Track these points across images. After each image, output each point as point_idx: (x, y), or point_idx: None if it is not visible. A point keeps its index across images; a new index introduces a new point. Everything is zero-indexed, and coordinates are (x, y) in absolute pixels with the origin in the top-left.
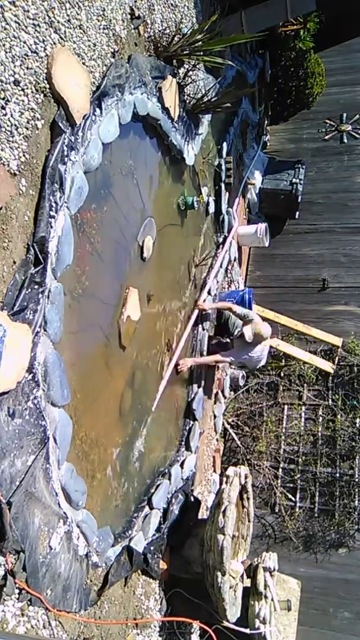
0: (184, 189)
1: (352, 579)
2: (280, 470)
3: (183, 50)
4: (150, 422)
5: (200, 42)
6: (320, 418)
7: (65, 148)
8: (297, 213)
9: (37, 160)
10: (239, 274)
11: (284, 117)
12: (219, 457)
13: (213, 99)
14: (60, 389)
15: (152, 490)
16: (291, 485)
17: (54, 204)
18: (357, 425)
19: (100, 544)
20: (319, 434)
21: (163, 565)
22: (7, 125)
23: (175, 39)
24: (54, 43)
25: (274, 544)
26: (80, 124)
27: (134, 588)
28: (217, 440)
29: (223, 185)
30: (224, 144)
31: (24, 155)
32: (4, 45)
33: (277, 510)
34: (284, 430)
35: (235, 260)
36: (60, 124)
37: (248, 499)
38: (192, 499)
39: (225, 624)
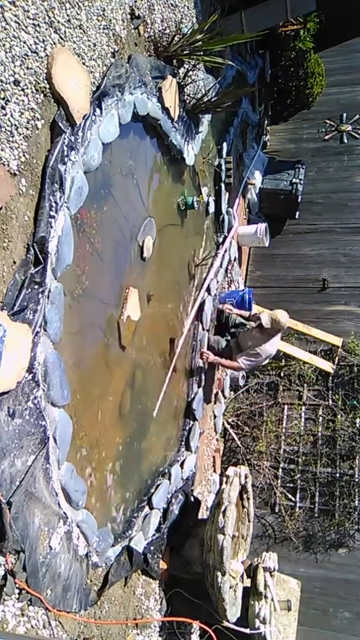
0: (184, 189)
1: (352, 579)
2: (280, 470)
3: (183, 50)
4: (150, 423)
5: (200, 42)
6: (320, 418)
7: (65, 148)
8: (297, 213)
9: (37, 160)
10: (239, 274)
11: (284, 117)
12: (219, 457)
13: (213, 99)
14: (60, 389)
15: (152, 490)
16: (291, 485)
17: (54, 204)
18: (357, 425)
19: (100, 544)
20: (319, 434)
21: (163, 565)
22: (7, 125)
23: (175, 39)
24: (54, 43)
25: (274, 544)
26: (80, 124)
27: (134, 588)
28: (217, 440)
29: (223, 185)
30: (224, 144)
31: (24, 155)
32: (4, 45)
33: (277, 510)
34: (284, 430)
35: (235, 260)
36: (60, 124)
37: (248, 499)
38: (192, 499)
39: (225, 624)
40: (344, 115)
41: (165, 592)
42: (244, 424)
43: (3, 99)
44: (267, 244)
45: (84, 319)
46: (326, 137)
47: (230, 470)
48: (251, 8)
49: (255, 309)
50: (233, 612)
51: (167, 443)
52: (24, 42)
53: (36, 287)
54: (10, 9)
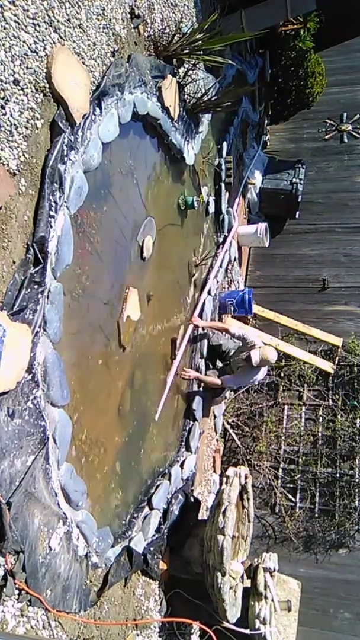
0: (184, 189)
1: (352, 579)
2: (280, 470)
3: (183, 49)
4: (150, 423)
5: (200, 42)
6: (321, 418)
7: (65, 147)
8: (297, 213)
9: (37, 160)
10: (239, 274)
11: (284, 116)
12: (219, 457)
13: (213, 98)
14: (59, 389)
15: (152, 491)
16: (291, 485)
17: (53, 204)
18: (357, 425)
19: (100, 545)
20: (319, 434)
21: (163, 565)
22: (7, 125)
23: (175, 38)
24: (54, 42)
25: (274, 545)
26: (80, 124)
27: (134, 589)
28: (217, 440)
29: (223, 185)
30: (224, 144)
31: (23, 155)
32: (3, 44)
33: (277, 511)
34: (284, 431)
35: (235, 260)
36: (60, 124)
37: (248, 499)
38: (192, 500)
39: (225, 624)
40: (344, 114)
41: (165, 592)
42: (244, 424)
43: (3, 98)
44: (267, 244)
45: (83, 319)
46: (326, 137)
47: (230, 471)
48: (251, 7)
49: (255, 309)
50: (233, 612)
51: (167, 443)
52: (24, 42)
53: (36, 287)
54: (10, 9)
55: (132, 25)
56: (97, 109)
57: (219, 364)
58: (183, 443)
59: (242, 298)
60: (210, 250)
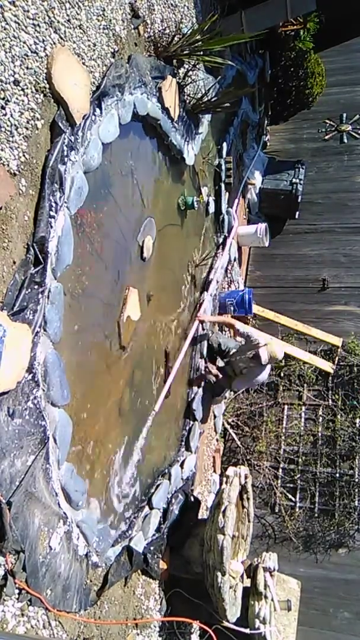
0: (184, 189)
1: (352, 579)
2: (280, 470)
3: (183, 50)
4: (150, 423)
5: (200, 42)
6: (320, 418)
7: (65, 148)
8: (297, 213)
9: (37, 160)
10: (239, 274)
11: (284, 117)
12: (219, 457)
13: (213, 99)
14: (60, 389)
15: (152, 490)
16: (291, 485)
17: (53, 204)
18: (357, 425)
19: (100, 544)
20: (319, 434)
21: (163, 565)
22: (7, 125)
23: (175, 39)
24: (54, 43)
25: (274, 544)
26: (80, 124)
27: (134, 588)
28: (217, 440)
29: (223, 185)
30: (224, 144)
31: (23, 155)
32: (3, 45)
33: (277, 511)
34: (284, 431)
35: (235, 260)
36: (60, 124)
37: (248, 499)
38: (192, 499)
39: (225, 624)
40: (344, 115)
41: (165, 592)
42: (244, 424)
43: (3, 99)
44: (267, 244)
45: (83, 319)
46: (326, 137)
47: (230, 471)
48: (251, 8)
49: (255, 309)
50: (233, 612)
51: (167, 443)
52: (24, 42)
53: (36, 287)
54: (10, 9)
55: (132, 26)
56: (98, 110)
57: (220, 362)
58: (183, 443)
59: (242, 298)
60: (210, 251)
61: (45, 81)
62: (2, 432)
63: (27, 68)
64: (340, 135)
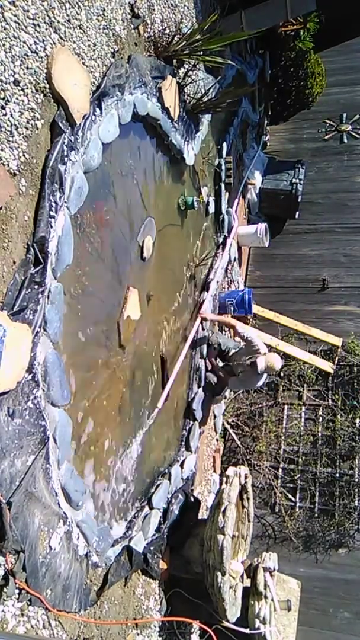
0: (184, 189)
1: (352, 579)
2: (280, 470)
3: (183, 50)
4: (150, 422)
5: (200, 42)
6: (320, 418)
7: (65, 148)
8: (297, 213)
9: (37, 160)
10: (239, 274)
11: (284, 117)
12: (219, 457)
13: (213, 99)
14: (60, 389)
15: (152, 490)
16: (291, 485)
17: (53, 204)
18: (357, 425)
19: (100, 544)
20: (319, 434)
21: (163, 565)
22: (7, 125)
23: (175, 38)
24: (54, 43)
25: (274, 544)
26: (80, 124)
27: (134, 588)
28: (217, 440)
29: (223, 185)
30: (224, 144)
31: (23, 155)
32: (3, 45)
33: (277, 511)
34: (284, 430)
35: (235, 260)
36: (60, 124)
37: (248, 499)
38: (192, 499)
39: (225, 624)
40: (344, 115)
41: (165, 592)
42: (244, 424)
43: (3, 99)
44: (267, 244)
45: (84, 319)
46: (326, 137)
47: (230, 470)
48: (251, 8)
49: (255, 309)
50: (233, 612)
51: (167, 443)
52: (24, 42)
53: (36, 287)
54: (10, 9)
55: (132, 26)
56: (98, 110)
57: (220, 362)
58: (183, 443)
59: (242, 298)
60: (210, 251)
61: (45, 81)
62: (2, 432)
63: (27, 68)
64: (340, 135)
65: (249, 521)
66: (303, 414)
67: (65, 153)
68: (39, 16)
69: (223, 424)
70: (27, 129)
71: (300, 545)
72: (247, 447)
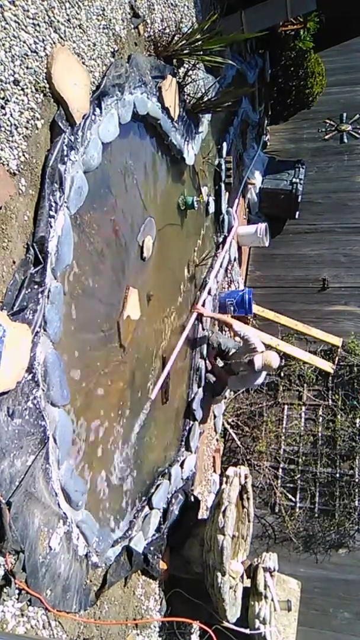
0: (184, 189)
1: (352, 579)
2: (280, 470)
3: (183, 49)
4: (150, 423)
5: (200, 42)
6: (320, 418)
7: (65, 148)
8: (297, 213)
9: (37, 160)
10: (239, 274)
11: (284, 116)
12: (219, 457)
13: (213, 99)
14: (60, 389)
15: (152, 490)
16: (291, 485)
17: (53, 204)
18: (357, 425)
19: (100, 544)
20: (319, 434)
21: (163, 565)
22: (7, 125)
23: (175, 38)
24: (54, 42)
25: (274, 544)
26: (80, 124)
27: (134, 588)
28: (217, 440)
29: (223, 185)
30: (224, 144)
31: (23, 155)
32: (3, 44)
33: (277, 511)
34: (284, 431)
35: (235, 260)
36: (60, 124)
37: (248, 499)
38: (192, 499)
39: (225, 624)
40: (344, 115)
41: (165, 592)
42: (244, 424)
43: (3, 98)
44: (267, 244)
45: (83, 318)
46: (326, 137)
47: (230, 471)
48: (251, 8)
49: (255, 309)
50: (233, 612)
51: (167, 443)
52: (24, 42)
53: (36, 287)
54: (10, 9)
55: (132, 26)
56: (97, 109)
57: (220, 362)
58: (183, 443)
59: (242, 298)
60: (210, 251)
61: (45, 81)
62: (2, 432)
63: (27, 68)
64: (340, 135)
65: (249, 521)
66: (303, 414)
67: (65, 153)
68: (38, 16)
69: (223, 424)
70: (27, 128)
71: (300, 545)
72: (247, 447)
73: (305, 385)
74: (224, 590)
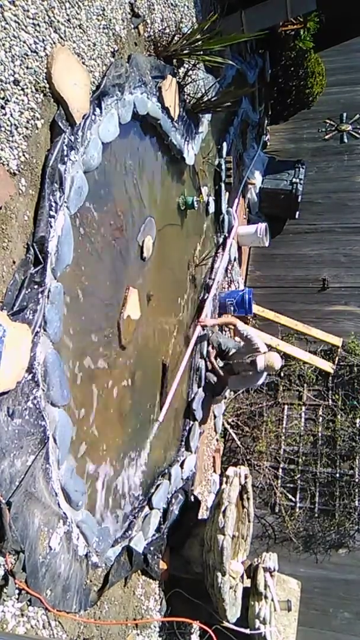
0: (184, 189)
1: (352, 579)
2: (280, 470)
3: (183, 49)
4: (150, 423)
5: (200, 42)
6: (320, 418)
7: (65, 148)
8: (297, 213)
9: (37, 160)
10: (239, 274)
11: (284, 116)
12: (219, 457)
13: (213, 99)
14: (60, 389)
15: (152, 490)
16: (291, 485)
17: (53, 204)
18: (357, 425)
19: (100, 544)
20: (319, 434)
21: (163, 565)
22: (7, 125)
23: (175, 38)
24: (54, 42)
25: (274, 544)
26: (80, 124)
27: (134, 588)
28: (217, 440)
29: (223, 185)
30: (224, 144)
31: (23, 155)
32: (3, 44)
33: (277, 511)
34: (284, 431)
35: (235, 260)
36: (60, 124)
37: (248, 499)
38: (192, 499)
39: (225, 624)
40: (344, 114)
41: (165, 592)
42: (244, 424)
43: (3, 98)
44: (267, 244)
45: (84, 318)
46: (326, 137)
47: (230, 471)
48: (251, 8)
49: (255, 309)
50: (233, 612)
51: (167, 443)
52: (24, 42)
53: (36, 287)
54: (10, 9)
55: (132, 26)
56: (97, 109)
57: (220, 362)
58: (183, 443)
59: (242, 298)
60: (210, 251)
61: (45, 81)
62: (2, 432)
63: (27, 68)
64: (340, 135)
65: (249, 521)
66: (303, 414)
67: (65, 153)
68: (38, 16)
69: (223, 424)
70: (27, 128)
71: (300, 545)
72: (247, 447)
73: (305, 385)
74: (224, 590)
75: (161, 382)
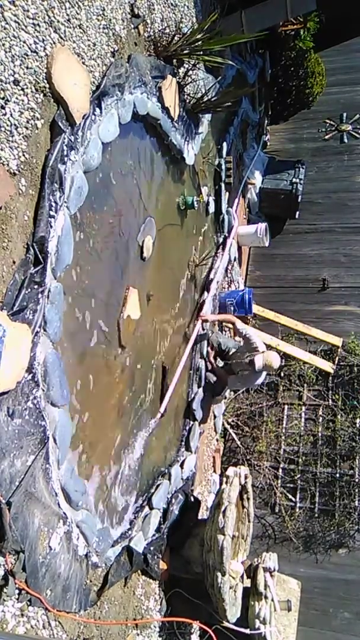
0: (184, 189)
1: (352, 579)
2: (280, 470)
3: (183, 49)
4: (150, 423)
5: (200, 42)
6: (321, 418)
7: (65, 148)
8: (297, 213)
9: (37, 160)
10: (239, 274)
11: (284, 116)
12: (219, 457)
13: (213, 99)
14: (59, 389)
15: (152, 490)
16: (291, 485)
17: (53, 204)
18: (357, 425)
19: (100, 544)
20: (319, 434)
21: (163, 565)
22: (7, 125)
23: (175, 38)
24: (54, 42)
25: (274, 545)
26: (80, 124)
27: (134, 588)
28: (217, 440)
29: (223, 185)
30: (224, 144)
31: (23, 155)
32: (3, 44)
33: (277, 511)
34: (284, 431)
35: (235, 260)
36: (60, 124)
37: (248, 499)
38: (192, 499)
39: (225, 624)
40: (344, 114)
41: (165, 592)
42: (244, 424)
43: (3, 98)
44: (267, 244)
45: (83, 318)
46: (326, 137)
47: (230, 471)
48: (251, 8)
49: (255, 309)
50: (233, 612)
51: (167, 443)
52: (24, 42)
53: (36, 287)
54: (10, 9)
55: (132, 26)
56: (97, 109)
57: (220, 362)
58: (183, 443)
59: (242, 298)
60: (210, 250)
61: (45, 81)
62: (2, 432)
63: (27, 68)
64: (340, 135)
65: (249, 521)
66: (303, 414)
67: (65, 153)
68: (38, 16)
69: (223, 424)
70: (26, 128)
71: (300, 545)
72: (247, 447)
73: (305, 385)
74: (224, 590)
75: (161, 384)
